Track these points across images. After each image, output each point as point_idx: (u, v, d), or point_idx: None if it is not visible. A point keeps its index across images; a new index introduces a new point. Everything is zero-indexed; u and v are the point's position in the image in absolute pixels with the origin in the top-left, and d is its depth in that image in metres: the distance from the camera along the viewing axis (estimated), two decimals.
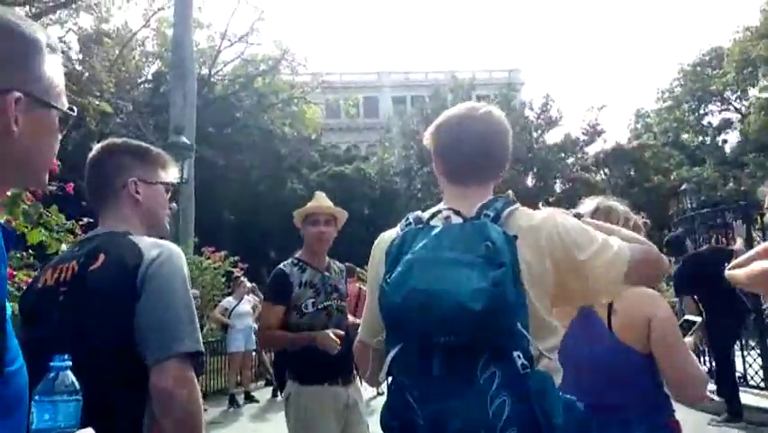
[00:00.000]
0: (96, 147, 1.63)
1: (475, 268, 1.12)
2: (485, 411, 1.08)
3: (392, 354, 1.19)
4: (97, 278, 1.36)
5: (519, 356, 1.10)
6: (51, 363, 0.91)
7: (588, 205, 1.91)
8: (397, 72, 39.41)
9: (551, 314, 1.30)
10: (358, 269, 7.67)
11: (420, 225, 1.29)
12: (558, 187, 28.82)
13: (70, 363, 0.92)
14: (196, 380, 1.35)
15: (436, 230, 1.23)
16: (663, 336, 1.66)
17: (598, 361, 1.71)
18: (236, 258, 9.97)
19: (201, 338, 1.39)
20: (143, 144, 1.66)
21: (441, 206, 1.38)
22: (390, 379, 1.22)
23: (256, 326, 9.30)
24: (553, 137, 29.21)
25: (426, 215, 1.34)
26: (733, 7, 65.51)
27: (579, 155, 29.09)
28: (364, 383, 2.14)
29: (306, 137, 23.18)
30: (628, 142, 29.72)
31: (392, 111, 33.08)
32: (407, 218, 1.36)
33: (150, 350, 1.30)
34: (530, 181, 28.38)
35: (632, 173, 26.93)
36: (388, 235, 1.42)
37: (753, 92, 26.14)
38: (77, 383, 0.91)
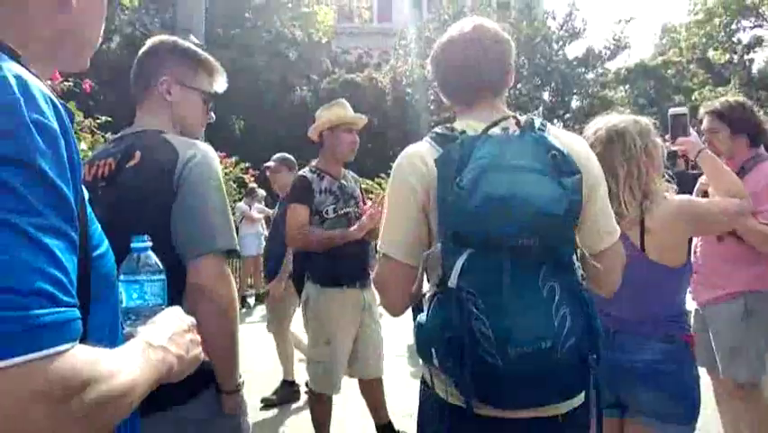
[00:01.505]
0: (149, 40, 1.60)
1: (547, 175, 1.14)
2: (551, 321, 1.12)
3: (460, 261, 1.14)
4: (135, 176, 1.38)
5: (579, 268, 1.17)
6: (132, 245, 0.92)
7: (601, 129, 1.87)
8: None
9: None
10: (367, 181, 7.67)
11: (476, 135, 1.26)
12: (575, 103, 28.09)
13: (150, 244, 0.93)
14: (231, 276, 1.42)
15: (499, 139, 1.22)
16: (710, 210, 1.90)
17: (628, 278, 1.74)
18: (247, 164, 9.98)
19: (236, 236, 1.43)
20: (194, 47, 1.61)
21: (466, 123, 1.38)
22: (449, 290, 1.16)
23: (266, 232, 9.53)
24: (574, 50, 28.10)
25: (464, 126, 1.34)
26: None
27: (600, 71, 28.09)
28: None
29: (316, 41, 22.35)
30: (652, 58, 28.55)
31: (408, 15, 31.64)
32: (436, 132, 1.35)
33: (187, 247, 1.34)
34: (547, 96, 27.63)
35: (652, 92, 26.09)
36: (422, 149, 1.37)
37: None
38: (159, 263, 0.93)
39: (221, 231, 1.37)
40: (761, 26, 26.56)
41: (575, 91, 27.89)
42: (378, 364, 3.18)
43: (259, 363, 5.03)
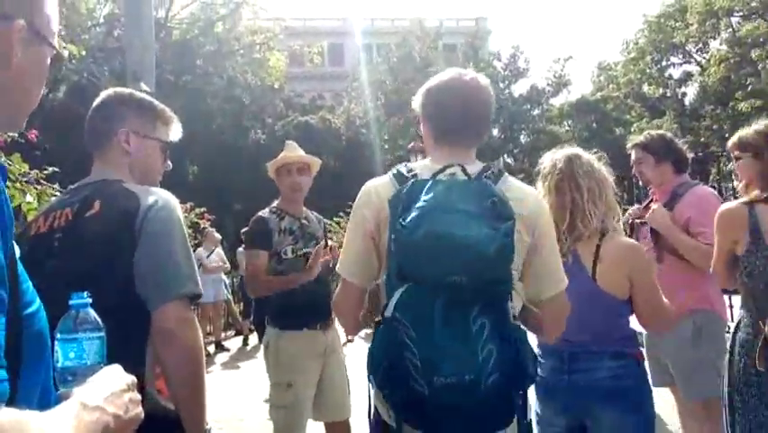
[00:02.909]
0: (104, 92, 1.61)
1: (485, 219, 1.22)
2: (476, 356, 1.17)
3: (398, 293, 1.24)
4: (95, 224, 1.37)
5: (512, 307, 1.23)
6: (71, 302, 0.89)
7: (557, 155, 1.97)
8: (363, 19, 38.42)
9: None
10: (326, 220, 7.68)
11: (426, 178, 1.36)
12: (523, 138, 29.10)
13: (90, 300, 0.90)
14: (196, 320, 1.41)
15: (445, 184, 1.32)
16: (646, 285, 1.85)
17: (581, 305, 1.80)
18: (203, 209, 9.84)
19: (200, 281, 1.43)
20: (148, 98, 1.64)
21: (429, 163, 1.47)
22: (386, 319, 1.26)
23: (225, 278, 9.37)
24: (519, 88, 29.29)
25: (420, 168, 1.43)
26: None
27: (544, 107, 29.30)
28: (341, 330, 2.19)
29: (269, 86, 22.55)
30: (592, 94, 30.03)
31: (358, 59, 32.40)
32: (398, 169, 1.44)
33: (151, 294, 1.33)
34: (496, 132, 28.55)
35: (594, 125, 27.33)
36: (379, 183, 1.48)
37: (714, 45, 26.57)
38: (99, 320, 0.90)
39: (185, 276, 1.38)
40: (689, 62, 28.48)
41: (523, 127, 28.93)
42: (343, 407, 3.12)
43: (222, 412, 4.88)
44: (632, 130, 23.46)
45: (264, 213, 3.08)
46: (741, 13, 24.62)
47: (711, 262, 2.21)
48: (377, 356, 1.28)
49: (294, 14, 30.88)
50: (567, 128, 28.82)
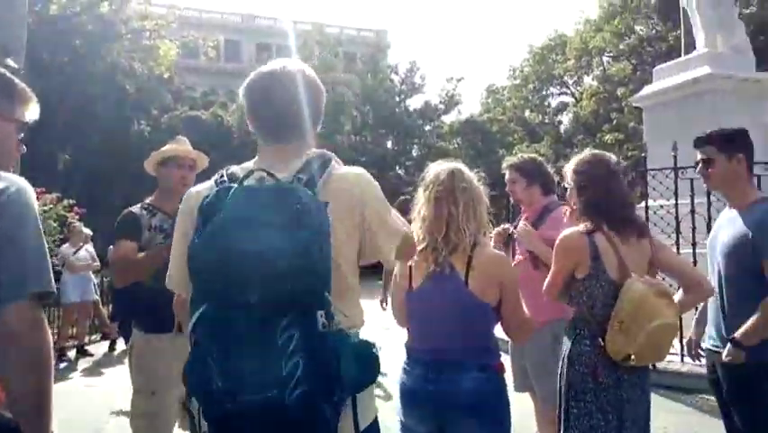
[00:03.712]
0: None
1: (284, 230, 1.15)
2: (279, 371, 1.12)
3: (197, 314, 1.19)
4: None
5: (322, 315, 1.17)
6: None
7: (442, 167, 2.07)
8: (263, 17, 37.62)
9: (355, 275, 1.43)
10: None
11: (233, 184, 1.28)
12: (415, 152, 30.03)
13: None
14: (46, 322, 1.28)
15: (249, 191, 1.24)
16: (513, 295, 1.97)
17: (452, 311, 1.93)
18: (71, 201, 9.04)
19: (53, 278, 1.31)
20: (6, 74, 1.46)
21: (252, 165, 1.40)
22: (193, 341, 1.22)
23: (94, 277, 8.66)
24: (414, 103, 30.22)
25: (241, 171, 1.35)
26: None
27: (436, 123, 30.47)
28: None
29: (158, 75, 21.33)
30: (480, 115, 31.74)
31: (256, 58, 31.66)
32: (222, 173, 1.36)
33: None
34: (390, 144, 29.20)
35: (480, 145, 28.86)
36: (201, 189, 1.42)
37: (587, 80, 29.25)
38: None
39: (34, 273, 1.25)
40: (566, 93, 31.11)
41: (416, 141, 29.88)
42: None
43: (78, 425, 4.49)
44: (514, 152, 25.06)
45: (135, 209, 2.91)
46: (611, 54, 27.37)
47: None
48: (187, 375, 1.24)
49: (190, 4, 29.61)
50: (456, 145, 30.15)
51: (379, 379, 5.32)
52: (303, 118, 1.43)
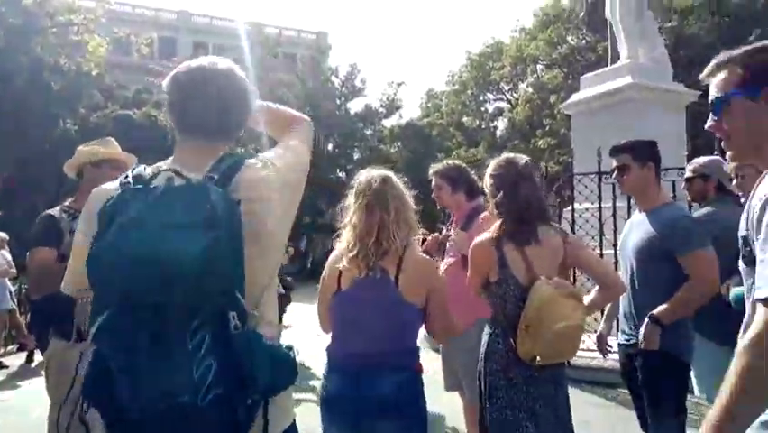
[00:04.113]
0: None
1: (193, 231, 1.11)
2: (190, 375, 1.08)
3: (99, 321, 1.12)
4: None
5: (234, 317, 1.14)
6: None
7: (372, 173, 2.11)
8: (199, 15, 36.64)
9: (271, 275, 1.39)
10: None
11: (140, 185, 1.22)
12: (356, 155, 30.06)
13: None
14: None
15: (157, 191, 1.18)
16: (440, 298, 2.04)
17: (380, 314, 1.96)
18: None
19: None
20: None
21: (163, 164, 1.34)
22: (93, 349, 1.16)
23: (10, 284, 8.13)
24: (354, 106, 30.26)
25: (148, 172, 1.28)
26: (516, 5, 74.06)
27: (377, 127, 30.63)
28: None
29: (86, 72, 20.34)
30: (419, 119, 32.18)
31: (192, 56, 30.67)
32: (127, 174, 1.29)
33: None
34: (331, 146, 29.10)
35: (420, 149, 29.26)
36: (106, 189, 1.35)
37: (522, 86, 30.23)
38: None
39: None
40: (501, 99, 32.03)
41: (356, 144, 29.92)
42: None
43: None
44: (452, 156, 25.60)
45: (54, 211, 2.76)
46: (545, 62, 28.43)
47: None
48: (88, 388, 1.18)
49: None
50: (396, 149, 30.43)
51: (313, 383, 5.28)
52: (228, 117, 1.40)
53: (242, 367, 1.13)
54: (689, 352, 2.65)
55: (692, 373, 2.83)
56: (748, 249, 1.24)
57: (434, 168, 3.36)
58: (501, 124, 31.81)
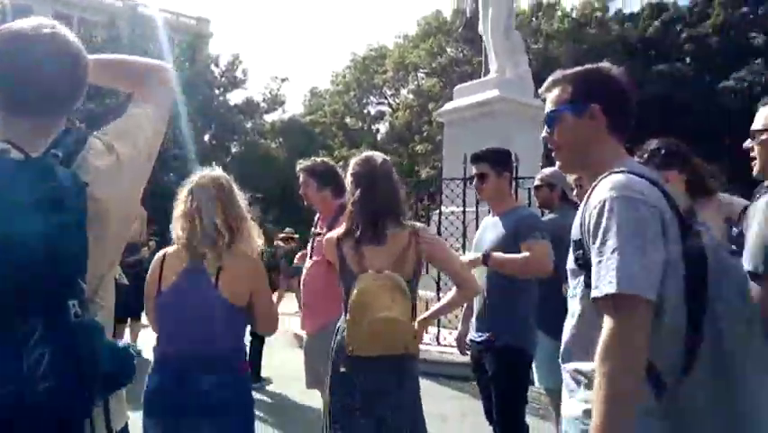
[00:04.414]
0: None
1: (35, 212, 1.03)
2: (20, 366, 1.01)
3: None
4: None
5: (74, 305, 1.07)
6: None
7: (202, 173, 2.15)
8: None
9: (112, 263, 1.32)
10: None
11: None
12: (234, 148, 29.09)
13: None
14: None
15: None
16: (262, 296, 2.05)
17: (201, 312, 1.93)
18: None
19: None
20: None
21: None
22: None
23: None
24: (235, 98, 29.28)
25: None
26: (400, 11, 76.15)
27: (258, 121, 29.88)
28: None
29: None
30: (303, 116, 31.93)
31: None
32: None
33: None
34: (207, 138, 27.87)
35: (302, 147, 29.06)
36: None
37: (403, 92, 31.14)
38: None
39: None
40: (383, 103, 32.75)
41: (235, 138, 28.93)
42: None
43: None
44: (334, 155, 25.69)
45: None
46: (425, 71, 29.52)
47: None
48: None
49: None
50: (277, 144, 29.90)
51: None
52: (57, 89, 1.24)
53: (80, 360, 1.06)
54: (532, 346, 2.89)
55: (534, 366, 3.09)
56: (581, 252, 1.34)
57: (300, 164, 3.32)
58: (382, 128, 32.54)
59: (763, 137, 1.76)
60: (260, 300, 2.05)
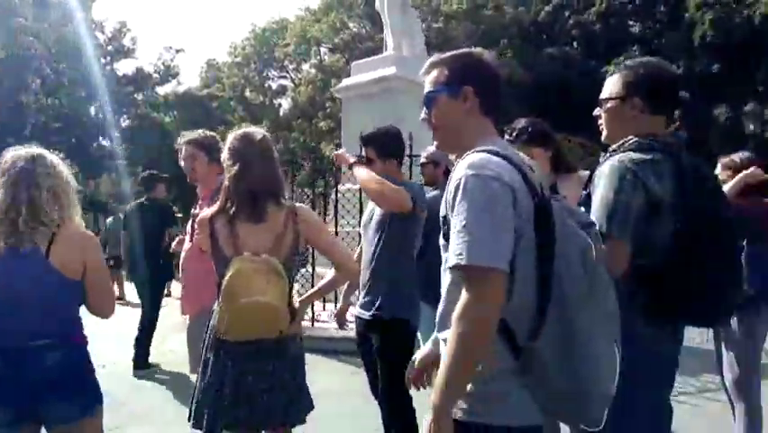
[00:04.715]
0: None
1: None
2: None
3: None
4: None
5: None
6: None
7: (19, 152, 2.02)
8: None
9: None
10: None
11: None
12: (124, 122, 27.24)
13: None
14: None
15: None
16: (96, 274, 2.02)
17: (33, 289, 1.90)
18: None
19: None
20: None
21: None
22: None
23: None
24: (123, 68, 27.30)
25: None
26: None
27: (149, 93, 28.10)
28: None
29: None
30: (199, 90, 30.43)
31: None
32: None
33: None
34: (93, 111, 25.83)
35: (199, 120, 27.78)
36: None
37: (306, 67, 30.54)
38: None
39: None
40: (285, 78, 31.96)
41: (124, 111, 27.06)
42: None
43: None
44: (234, 130, 24.78)
45: None
46: (328, 46, 29.10)
47: None
48: None
49: None
50: (172, 118, 28.34)
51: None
52: None
53: None
54: (416, 317, 2.96)
55: (419, 336, 3.18)
56: (446, 227, 1.39)
57: (186, 136, 3.10)
58: (285, 103, 31.79)
59: (608, 105, 1.91)
60: (93, 277, 2.01)
